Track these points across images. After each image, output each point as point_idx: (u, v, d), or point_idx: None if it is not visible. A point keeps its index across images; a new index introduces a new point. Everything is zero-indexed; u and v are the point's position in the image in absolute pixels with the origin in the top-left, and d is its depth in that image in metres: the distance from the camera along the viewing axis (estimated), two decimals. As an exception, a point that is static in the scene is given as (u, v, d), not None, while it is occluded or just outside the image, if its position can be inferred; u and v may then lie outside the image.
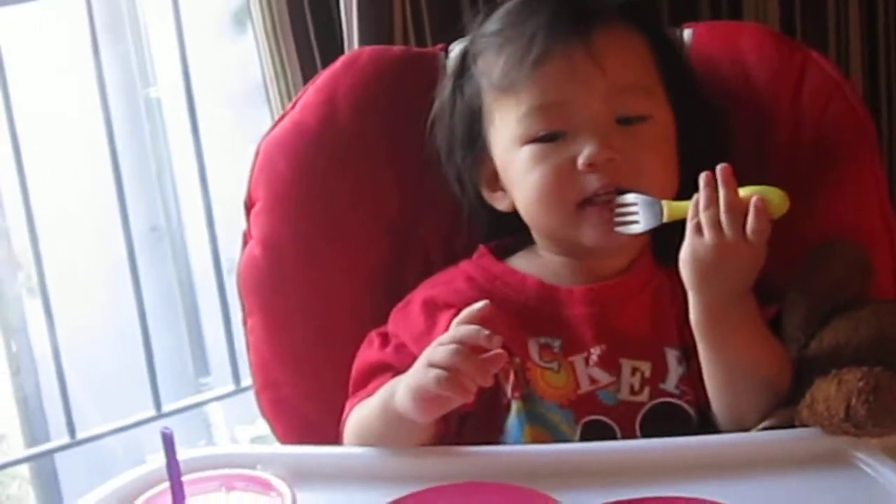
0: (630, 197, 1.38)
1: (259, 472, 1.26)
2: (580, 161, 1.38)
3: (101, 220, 2.23)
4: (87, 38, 2.00)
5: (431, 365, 1.30)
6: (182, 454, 1.19)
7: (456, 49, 1.57)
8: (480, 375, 1.28)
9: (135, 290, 2.18)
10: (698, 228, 1.31)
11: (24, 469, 2.46)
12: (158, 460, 1.21)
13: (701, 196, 1.31)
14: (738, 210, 1.29)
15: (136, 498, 1.24)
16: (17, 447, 2.40)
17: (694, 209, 1.31)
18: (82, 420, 2.23)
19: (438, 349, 1.30)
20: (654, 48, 1.45)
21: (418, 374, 1.31)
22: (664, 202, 1.36)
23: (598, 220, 1.39)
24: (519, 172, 1.43)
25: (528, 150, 1.41)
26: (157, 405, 2.23)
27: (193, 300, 2.53)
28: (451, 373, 1.28)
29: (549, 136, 1.40)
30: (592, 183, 1.39)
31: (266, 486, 1.23)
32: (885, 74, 2.16)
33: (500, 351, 1.28)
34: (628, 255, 1.45)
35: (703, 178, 1.31)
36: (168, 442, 1.13)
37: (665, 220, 1.36)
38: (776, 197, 1.30)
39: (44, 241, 2.12)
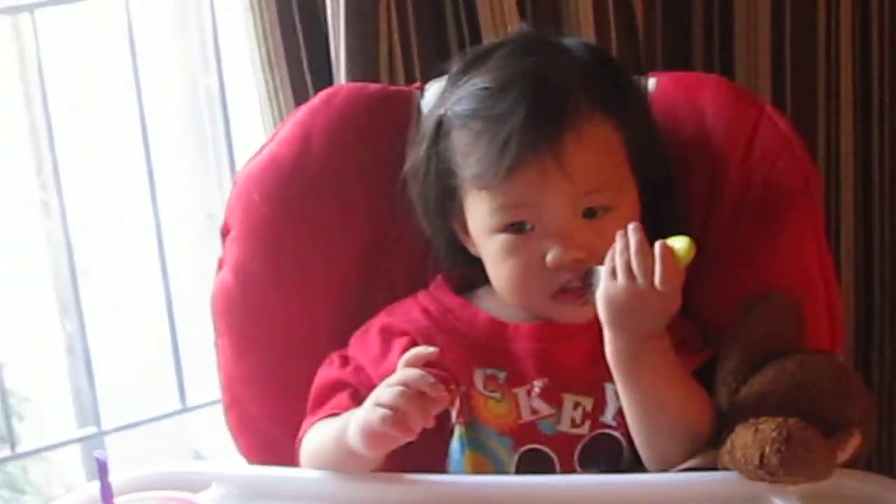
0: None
1: (188, 495, 1.35)
2: (548, 261, 1.46)
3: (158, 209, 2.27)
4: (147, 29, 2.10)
5: (378, 405, 1.38)
6: (138, 471, 1.28)
7: (431, 90, 1.64)
8: (423, 417, 1.37)
9: (164, 281, 2.26)
10: (613, 272, 1.39)
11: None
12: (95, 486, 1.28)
13: (617, 244, 1.39)
14: (646, 254, 1.37)
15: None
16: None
17: (610, 255, 1.40)
18: (119, 409, 2.34)
19: (385, 390, 1.39)
20: (624, 136, 1.49)
21: (367, 412, 1.40)
22: None
23: (572, 303, 1.48)
24: (492, 258, 1.51)
25: (500, 239, 1.49)
26: (183, 398, 2.32)
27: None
28: (396, 413, 1.37)
29: (518, 226, 1.48)
30: (561, 278, 1.47)
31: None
32: (878, 137, 2.19)
33: (443, 394, 1.37)
34: None
35: (619, 232, 1.40)
36: (102, 469, 1.21)
37: None
38: (683, 244, 1.37)
39: (92, 227, 2.21)
